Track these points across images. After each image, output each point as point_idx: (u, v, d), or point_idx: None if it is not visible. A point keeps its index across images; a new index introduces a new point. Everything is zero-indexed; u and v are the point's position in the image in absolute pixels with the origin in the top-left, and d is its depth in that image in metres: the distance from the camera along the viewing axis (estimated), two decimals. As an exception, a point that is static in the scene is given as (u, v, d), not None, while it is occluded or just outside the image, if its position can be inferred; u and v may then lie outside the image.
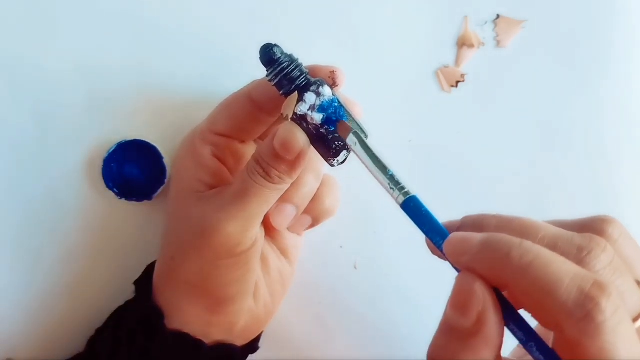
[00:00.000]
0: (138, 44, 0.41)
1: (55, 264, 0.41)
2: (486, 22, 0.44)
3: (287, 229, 0.38)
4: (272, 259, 0.39)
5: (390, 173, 0.29)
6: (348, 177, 0.42)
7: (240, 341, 0.38)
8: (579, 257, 0.25)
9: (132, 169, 0.41)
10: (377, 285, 0.43)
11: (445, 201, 0.44)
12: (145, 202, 0.41)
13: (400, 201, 0.29)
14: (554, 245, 0.25)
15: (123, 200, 0.41)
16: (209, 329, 0.37)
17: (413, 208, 0.28)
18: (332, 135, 0.32)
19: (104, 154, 0.40)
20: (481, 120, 0.44)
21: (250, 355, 0.40)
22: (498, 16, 0.44)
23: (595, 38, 0.45)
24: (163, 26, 0.42)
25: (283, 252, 0.40)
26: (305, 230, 0.39)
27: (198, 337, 0.36)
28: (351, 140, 0.31)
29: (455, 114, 0.44)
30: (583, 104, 0.45)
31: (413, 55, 0.44)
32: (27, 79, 0.41)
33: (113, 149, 0.40)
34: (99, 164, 0.40)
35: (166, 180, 0.41)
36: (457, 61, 0.44)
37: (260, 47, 0.33)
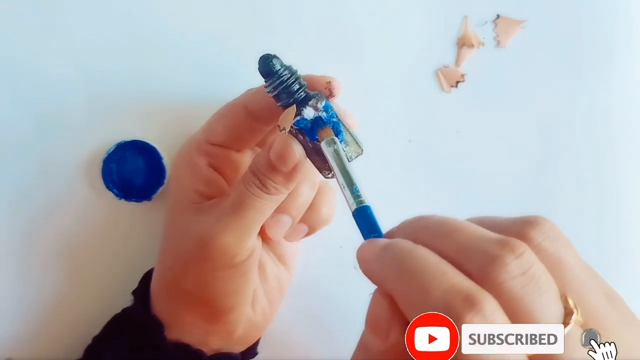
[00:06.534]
0: (138, 45, 0.41)
1: (54, 263, 0.41)
2: (486, 22, 0.44)
3: (283, 238, 0.37)
4: (269, 266, 0.39)
5: (354, 185, 0.30)
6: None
7: (238, 347, 0.38)
8: (483, 265, 0.23)
9: (131, 170, 0.41)
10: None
11: (445, 201, 0.44)
12: (145, 202, 0.41)
13: (354, 208, 0.29)
14: (463, 250, 0.24)
15: (122, 200, 0.41)
16: (207, 337, 0.37)
17: (364, 216, 0.29)
18: None
19: (104, 155, 0.40)
20: (481, 120, 0.44)
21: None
22: (498, 16, 0.44)
23: (595, 38, 0.45)
24: (163, 28, 0.42)
25: (280, 258, 0.40)
26: (301, 238, 0.38)
27: (197, 346, 0.36)
28: (324, 146, 0.31)
29: (455, 114, 0.44)
30: (583, 103, 0.45)
31: (413, 55, 0.44)
32: (27, 80, 0.41)
33: (112, 149, 0.40)
34: (99, 164, 0.40)
35: (165, 181, 0.41)
36: (457, 61, 0.44)
37: (259, 58, 0.32)
